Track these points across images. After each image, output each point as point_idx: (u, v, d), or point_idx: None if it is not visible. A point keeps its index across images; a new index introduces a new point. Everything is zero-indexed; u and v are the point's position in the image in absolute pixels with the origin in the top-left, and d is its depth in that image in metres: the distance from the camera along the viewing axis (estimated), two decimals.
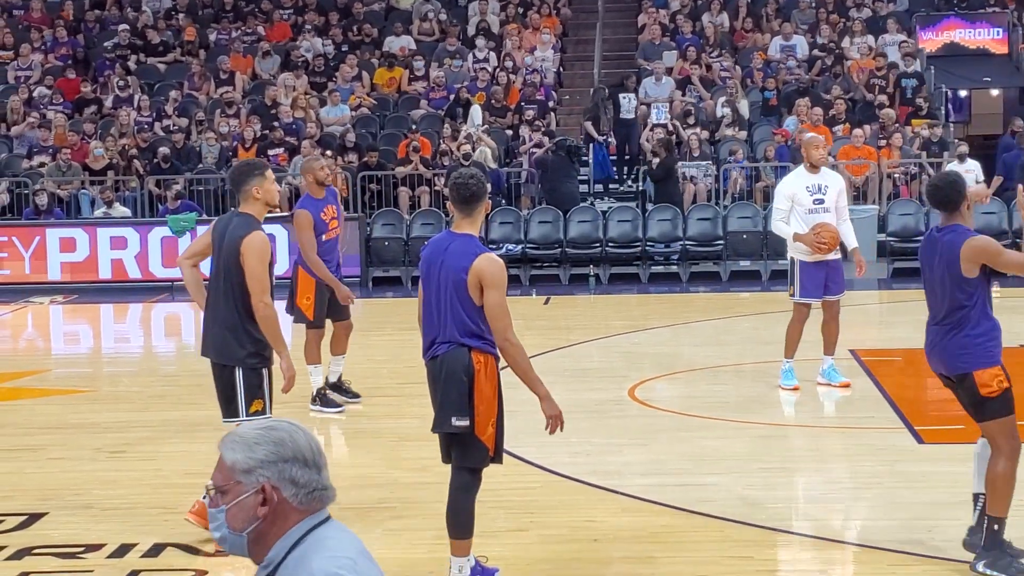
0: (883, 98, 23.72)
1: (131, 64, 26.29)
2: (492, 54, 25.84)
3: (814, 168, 11.94)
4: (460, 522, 7.09)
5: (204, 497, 6.95)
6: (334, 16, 27.38)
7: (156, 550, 8.05)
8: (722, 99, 23.94)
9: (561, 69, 26.53)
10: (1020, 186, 8.33)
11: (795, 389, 12.13)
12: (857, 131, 22.42)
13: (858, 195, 21.89)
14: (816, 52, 25.38)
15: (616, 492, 9.08)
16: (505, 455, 7.33)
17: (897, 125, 22.81)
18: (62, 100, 25.20)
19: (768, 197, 21.69)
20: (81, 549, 8.11)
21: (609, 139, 23.79)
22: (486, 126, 23.57)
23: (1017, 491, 7.35)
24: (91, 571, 7.78)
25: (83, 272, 21.22)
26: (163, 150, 23.11)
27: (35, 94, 25.48)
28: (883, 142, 22.46)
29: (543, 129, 23.36)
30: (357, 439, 11.09)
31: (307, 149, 21.91)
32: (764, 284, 20.23)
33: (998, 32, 26.42)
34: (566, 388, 12.86)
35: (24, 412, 12.29)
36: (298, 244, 11.47)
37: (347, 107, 24.52)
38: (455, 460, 7.12)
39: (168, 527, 8.37)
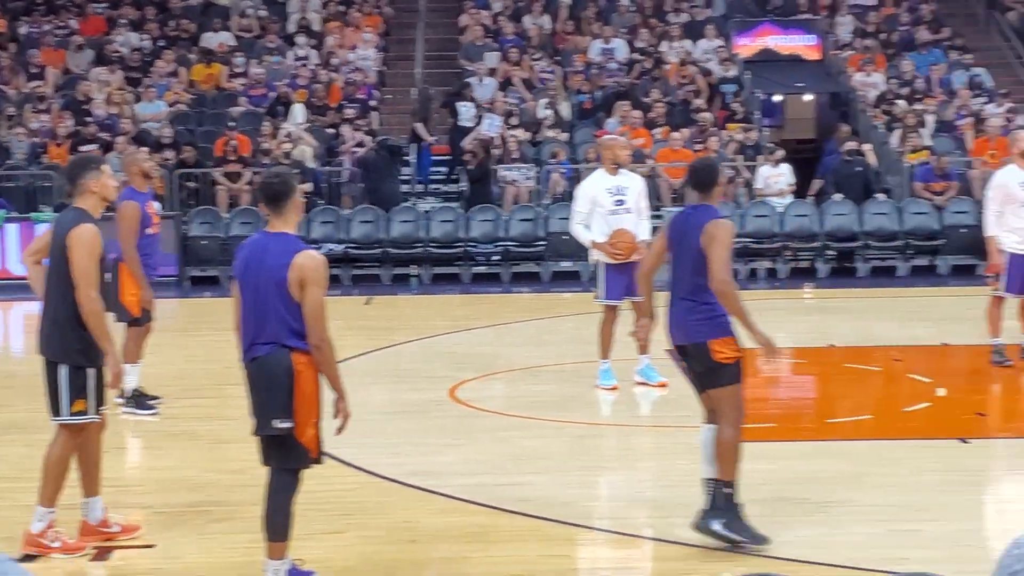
0: (700, 102, 24.12)
1: None
2: (313, 52, 25.66)
3: (614, 170, 12.10)
4: (277, 525, 7.01)
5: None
6: (150, 10, 26.92)
7: None
8: (544, 101, 24.10)
9: (383, 68, 26.44)
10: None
11: (613, 389, 12.26)
12: (675, 134, 22.76)
13: (676, 197, 22.22)
14: (635, 56, 25.70)
15: (435, 492, 9.07)
16: (323, 456, 7.27)
17: (714, 129, 23.20)
18: None
19: None
20: None
21: (435, 140, 23.77)
22: (307, 124, 23.39)
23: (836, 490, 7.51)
24: None
25: None
26: None
27: None
28: (700, 145, 22.83)
29: (365, 128, 23.27)
30: (172, 441, 10.90)
31: (122, 145, 21.50)
32: (585, 284, 20.35)
33: (811, 38, 27.04)
34: (387, 389, 12.86)
35: None
36: (119, 237, 11.22)
37: (163, 103, 24.12)
38: (275, 462, 7.04)
39: None
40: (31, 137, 23.04)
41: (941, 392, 12.15)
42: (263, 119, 23.48)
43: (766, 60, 26.70)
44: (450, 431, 10.97)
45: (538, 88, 24.74)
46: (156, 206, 11.58)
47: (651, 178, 21.00)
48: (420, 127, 23.51)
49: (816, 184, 22.47)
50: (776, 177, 22.01)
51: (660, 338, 13.06)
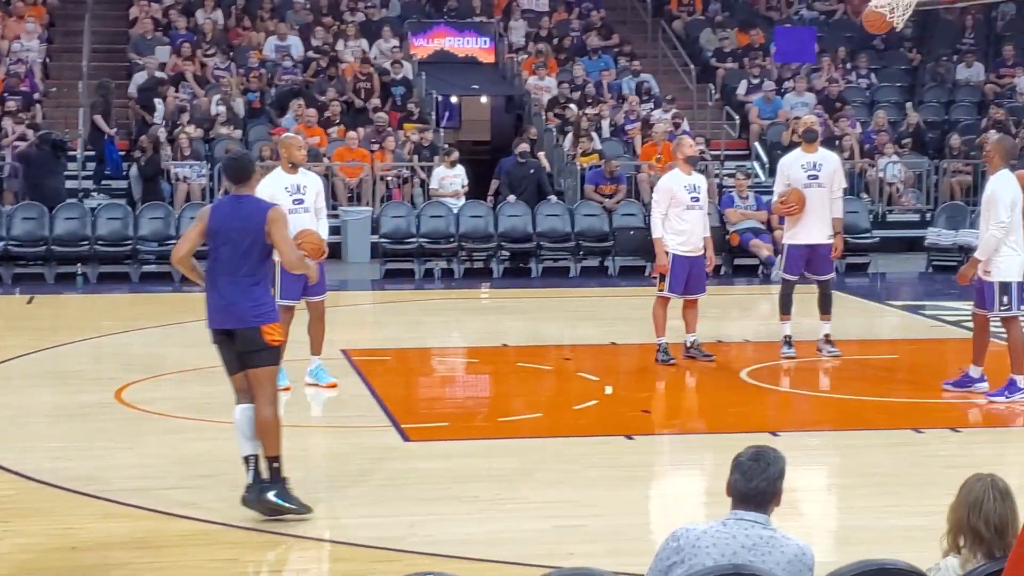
0: (376, 101, 24.13)
1: None
2: None
3: (291, 168, 11.99)
4: None
5: None
6: None
7: None
8: (217, 97, 23.70)
9: (48, 60, 25.52)
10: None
11: (286, 389, 12.11)
12: (352, 133, 22.69)
13: (352, 197, 22.18)
14: (311, 54, 25.53)
15: (99, 498, 8.77)
16: None
17: (390, 129, 23.24)
18: None
19: None
20: None
21: (115, 132, 23.04)
22: None
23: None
24: None
25: None
26: None
27: None
28: (376, 145, 22.83)
29: (27, 121, 22.41)
30: None
31: None
32: None
33: (485, 41, 27.36)
34: (51, 391, 12.42)
35: None
36: None
37: None
38: None
39: None
40: None
41: (609, 390, 12.44)
42: None
43: (442, 61, 26.90)
44: (116, 434, 10.65)
45: (211, 84, 24.30)
46: None
47: (327, 177, 20.89)
48: (99, 119, 22.73)
49: (494, 185, 22.75)
50: (451, 178, 22.19)
51: (336, 339, 13.05)
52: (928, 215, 23.32)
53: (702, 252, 13.44)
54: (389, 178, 22.78)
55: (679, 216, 13.30)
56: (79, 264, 20.55)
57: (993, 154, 11.90)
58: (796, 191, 13.56)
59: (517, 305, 18.51)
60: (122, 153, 23.13)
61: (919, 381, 13.00)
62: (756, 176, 24.00)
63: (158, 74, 23.96)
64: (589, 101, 24.98)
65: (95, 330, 15.97)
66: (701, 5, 29.15)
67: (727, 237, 21.09)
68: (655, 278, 13.70)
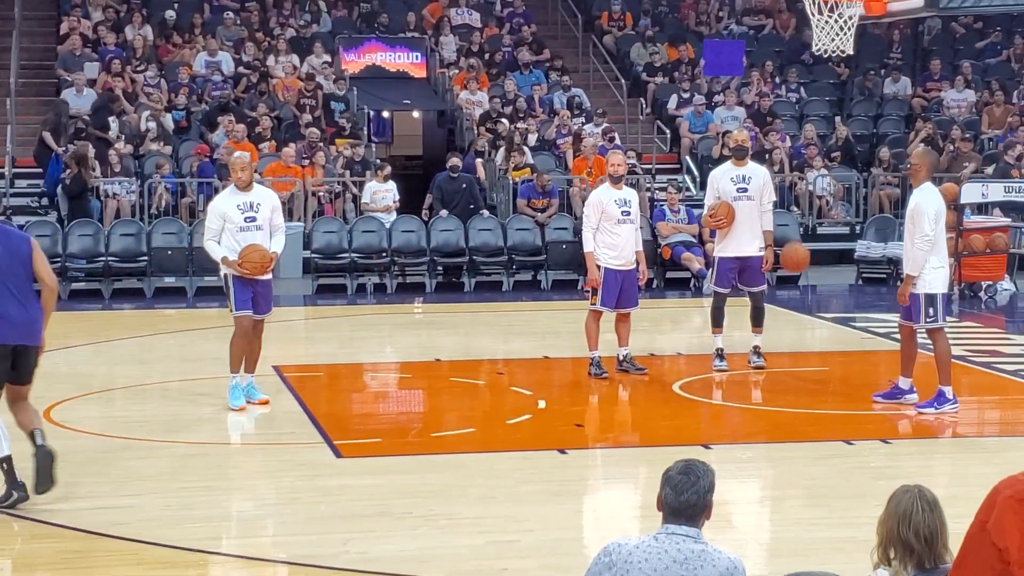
0: (308, 117, 24.04)
1: None
2: None
3: (248, 187, 11.98)
4: None
5: None
6: None
7: None
8: (147, 113, 23.53)
9: None
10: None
11: (263, 403, 12.14)
12: (287, 149, 22.56)
13: (284, 212, 22.03)
14: (242, 69, 25.42)
15: (27, 518, 8.66)
16: None
17: (321, 144, 23.16)
18: None
19: (193, 213, 21.52)
20: None
21: (64, 150, 22.77)
22: None
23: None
24: None
25: None
26: None
27: None
28: (307, 161, 22.75)
29: None
30: None
31: None
32: (190, 301, 20.00)
33: (417, 56, 27.34)
34: None
35: None
36: None
37: None
38: None
39: None
40: None
41: (542, 404, 12.43)
42: None
43: (374, 76, 26.86)
44: None
45: (140, 101, 24.13)
46: None
47: None
48: (48, 136, 22.46)
49: (428, 199, 22.71)
50: (383, 193, 22.14)
51: (269, 355, 12.97)
52: (857, 228, 23.54)
53: (634, 266, 13.49)
54: (321, 193, 22.71)
55: (610, 230, 13.34)
56: None
57: (919, 167, 12.00)
58: (725, 204, 13.64)
59: (450, 320, 18.49)
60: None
61: (850, 393, 13.09)
62: (688, 190, 24.14)
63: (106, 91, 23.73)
64: (521, 116, 25.02)
65: None
66: (631, 20, 29.30)
67: (659, 251, 21.19)
68: (587, 292, 13.73)
